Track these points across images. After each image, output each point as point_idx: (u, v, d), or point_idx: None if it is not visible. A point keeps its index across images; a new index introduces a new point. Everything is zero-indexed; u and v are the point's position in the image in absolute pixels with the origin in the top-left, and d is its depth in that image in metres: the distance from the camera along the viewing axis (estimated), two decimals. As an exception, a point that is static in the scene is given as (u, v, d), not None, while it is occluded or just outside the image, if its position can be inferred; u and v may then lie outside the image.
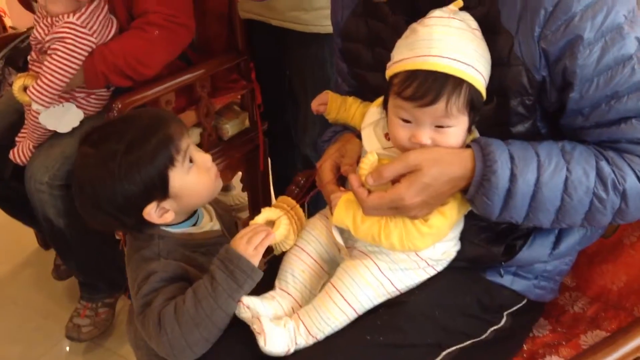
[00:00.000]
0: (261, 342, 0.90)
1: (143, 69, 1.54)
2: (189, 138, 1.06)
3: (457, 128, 0.87)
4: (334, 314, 0.93)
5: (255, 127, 1.89)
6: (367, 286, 0.93)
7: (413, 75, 0.84)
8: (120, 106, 1.51)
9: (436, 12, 0.86)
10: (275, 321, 0.93)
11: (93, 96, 1.60)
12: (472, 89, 0.85)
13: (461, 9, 0.89)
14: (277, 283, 1.01)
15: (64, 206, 1.57)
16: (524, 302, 1.04)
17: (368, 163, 0.89)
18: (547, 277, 1.04)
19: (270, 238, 0.97)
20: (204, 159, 1.08)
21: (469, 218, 0.96)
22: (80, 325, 1.78)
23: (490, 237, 0.99)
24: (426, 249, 0.93)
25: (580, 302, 1.17)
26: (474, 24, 0.87)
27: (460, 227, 0.97)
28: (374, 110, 0.98)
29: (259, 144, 1.91)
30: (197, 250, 1.09)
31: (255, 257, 0.96)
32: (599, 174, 0.85)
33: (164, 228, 1.07)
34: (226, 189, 2.35)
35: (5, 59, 1.77)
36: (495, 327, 1.00)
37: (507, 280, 1.01)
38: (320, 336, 0.94)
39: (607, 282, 1.14)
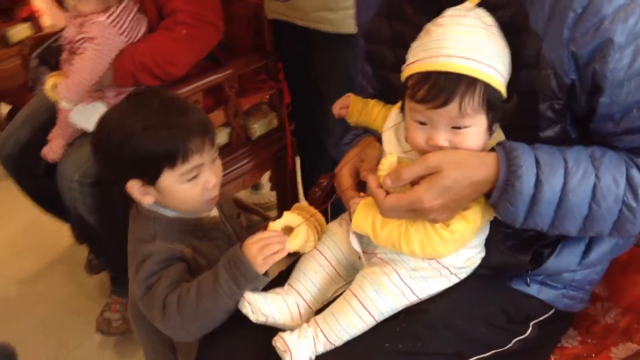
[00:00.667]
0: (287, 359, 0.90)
1: (171, 69, 1.55)
2: (209, 156, 1.06)
3: (475, 128, 0.84)
4: (353, 322, 0.91)
5: (283, 127, 1.89)
6: (387, 294, 0.92)
7: (425, 77, 0.83)
8: (148, 106, 1.52)
9: (449, 11, 0.84)
10: (295, 333, 0.92)
11: (123, 95, 1.61)
12: (487, 87, 0.82)
13: (489, 9, 0.86)
14: (288, 281, 1.01)
15: (94, 203, 1.59)
16: (551, 312, 1.00)
17: (387, 164, 0.88)
18: (576, 287, 1.01)
19: (281, 254, 0.97)
20: (207, 181, 1.06)
21: (495, 224, 0.93)
22: (110, 320, 1.81)
23: (517, 245, 0.96)
24: (449, 255, 0.90)
25: (612, 312, 1.12)
26: (489, 20, 0.85)
27: (485, 233, 0.95)
28: (395, 113, 0.96)
29: (287, 144, 1.91)
30: (194, 235, 1.10)
31: (263, 267, 0.96)
32: (630, 182, 0.81)
33: (156, 209, 1.09)
34: (255, 187, 2.36)
35: (39, 58, 1.81)
36: (520, 338, 0.97)
37: (533, 289, 0.98)
38: (339, 343, 0.93)
39: (641, 293, 1.10)
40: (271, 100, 1.88)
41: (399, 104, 0.95)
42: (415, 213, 0.85)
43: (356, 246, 0.95)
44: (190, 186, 1.05)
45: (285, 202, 2.01)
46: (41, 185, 1.77)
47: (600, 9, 0.79)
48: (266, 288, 1.01)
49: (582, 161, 0.83)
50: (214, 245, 1.13)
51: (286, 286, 1.01)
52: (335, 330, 0.92)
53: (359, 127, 1.10)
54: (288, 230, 1.02)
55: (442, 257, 0.90)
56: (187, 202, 1.07)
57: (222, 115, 1.75)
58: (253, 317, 0.95)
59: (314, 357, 0.92)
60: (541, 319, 0.99)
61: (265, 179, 2.24)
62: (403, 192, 0.85)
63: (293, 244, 0.99)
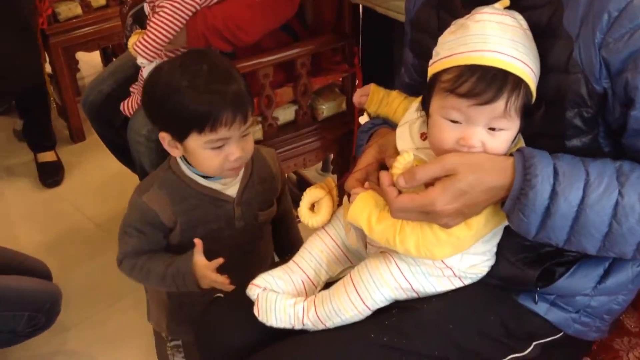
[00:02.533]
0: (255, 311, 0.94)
1: (241, 35, 1.58)
2: (237, 131, 1.09)
3: (509, 132, 0.81)
4: (345, 306, 0.91)
5: (352, 112, 1.89)
6: (384, 285, 0.91)
7: (470, 70, 0.78)
8: (216, 73, 1.58)
9: (486, 9, 0.81)
10: (280, 295, 0.95)
11: (194, 56, 1.68)
12: (528, 90, 0.79)
13: (527, 9, 0.82)
14: (293, 258, 1.02)
15: (157, 159, 1.68)
16: (559, 335, 0.95)
17: (402, 162, 0.84)
18: (590, 314, 0.94)
19: (222, 287, 1.10)
20: (230, 154, 1.10)
21: (512, 234, 0.89)
22: None
23: (529, 258, 0.91)
24: (444, 257, 0.87)
25: (638, 350, 1.04)
26: (524, 23, 0.81)
27: (493, 242, 0.91)
28: (415, 107, 0.94)
29: (353, 129, 1.90)
30: (194, 202, 1.18)
31: (205, 287, 1.13)
32: None
33: (179, 161, 1.19)
34: (325, 169, 2.38)
35: (134, 17, 1.92)
36: (517, 355, 0.93)
37: (541, 308, 0.93)
38: (329, 324, 0.93)
39: (673, 335, 1.01)
40: (343, 83, 1.88)
41: (419, 99, 0.93)
42: (427, 216, 0.82)
43: (352, 238, 0.95)
44: (213, 154, 1.10)
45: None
46: (117, 136, 1.89)
47: (638, 15, 0.73)
48: (273, 265, 1.04)
49: (605, 175, 0.77)
50: (205, 218, 1.21)
51: (291, 263, 1.02)
52: (327, 311, 0.92)
53: (379, 117, 1.08)
54: (313, 206, 1.03)
55: (436, 259, 0.87)
56: (208, 167, 1.14)
57: (290, 93, 1.77)
58: (260, 317, 0.96)
59: (293, 326, 0.94)
60: (546, 340, 0.94)
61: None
62: (416, 192, 0.82)
63: (314, 221, 1.01)
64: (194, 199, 1.19)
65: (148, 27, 1.55)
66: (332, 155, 2.01)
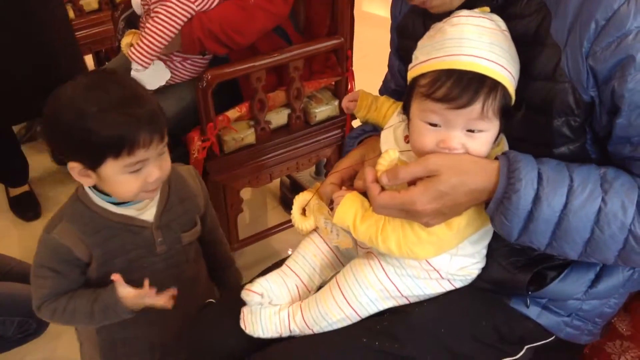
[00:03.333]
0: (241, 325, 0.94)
1: (237, 37, 1.57)
2: (155, 151, 1.02)
3: (489, 133, 0.81)
4: (332, 310, 0.91)
5: (345, 116, 1.89)
6: (369, 287, 0.90)
7: (446, 75, 0.79)
8: (209, 77, 1.57)
9: (464, 12, 0.81)
10: (265, 307, 0.95)
11: (189, 61, 1.67)
12: (506, 92, 0.79)
13: (514, 17, 0.82)
14: (286, 262, 1.01)
15: None
16: (551, 338, 0.95)
17: (387, 159, 0.84)
18: (583, 317, 0.94)
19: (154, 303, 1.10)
20: (149, 175, 1.03)
21: (502, 237, 0.88)
22: None
23: (520, 262, 0.91)
24: (426, 257, 0.87)
25: (630, 353, 1.04)
26: (503, 25, 0.81)
27: (483, 242, 0.91)
28: (396, 113, 0.94)
29: (345, 133, 1.90)
30: (108, 233, 1.10)
31: (135, 309, 1.11)
32: None
33: (88, 190, 1.09)
34: (318, 173, 2.38)
35: (126, 21, 1.91)
36: (509, 359, 0.92)
37: (533, 311, 0.93)
38: (317, 329, 0.93)
39: (665, 338, 1.01)
40: (336, 87, 1.88)
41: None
42: (408, 214, 0.82)
43: (338, 242, 0.94)
44: (132, 178, 1.02)
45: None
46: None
47: (625, 23, 0.73)
48: (267, 270, 1.04)
49: (589, 181, 0.77)
50: (123, 248, 1.13)
51: (285, 267, 1.02)
52: (314, 315, 0.92)
53: (368, 123, 1.08)
54: (304, 211, 1.03)
55: (419, 258, 0.87)
56: (125, 192, 1.05)
57: (283, 96, 1.77)
58: (248, 330, 0.96)
59: (281, 334, 0.94)
60: (538, 344, 0.94)
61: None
62: (398, 190, 0.83)
63: (305, 225, 1.00)
64: (108, 229, 1.10)
65: (143, 33, 1.54)
66: (325, 159, 2.01)
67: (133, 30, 1.65)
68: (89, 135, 0.96)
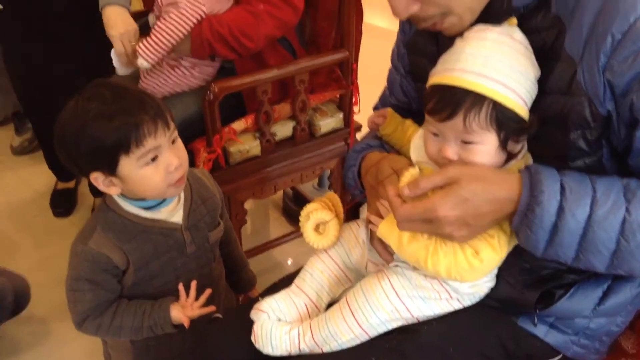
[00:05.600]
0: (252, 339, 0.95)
1: (245, 41, 1.59)
2: (165, 138, 1.03)
3: (483, 146, 0.83)
4: (342, 330, 0.92)
5: (349, 128, 1.90)
6: (380, 309, 0.91)
7: (435, 90, 0.83)
8: (216, 89, 1.58)
9: (479, 25, 0.83)
10: (275, 324, 0.95)
11: (197, 69, 1.69)
12: (497, 105, 0.80)
13: (531, 31, 0.83)
14: (295, 281, 1.02)
15: None
16: (558, 357, 0.95)
17: (409, 175, 0.88)
18: (590, 336, 0.95)
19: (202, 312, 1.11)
20: (167, 162, 1.04)
21: (512, 256, 0.90)
22: None
23: (529, 281, 0.92)
24: (471, 281, 0.89)
25: (635, 371, 1.05)
26: (518, 35, 0.82)
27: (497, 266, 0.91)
28: None
29: (349, 145, 1.91)
30: (141, 237, 1.11)
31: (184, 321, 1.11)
32: None
33: (116, 198, 1.10)
34: (321, 184, 2.38)
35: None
36: (517, 377, 0.93)
37: (540, 330, 0.94)
38: (326, 348, 0.93)
39: (671, 357, 1.02)
40: (341, 100, 1.89)
41: None
42: (431, 225, 0.82)
43: (364, 236, 0.95)
44: (152, 170, 1.03)
45: (343, 203, 2.01)
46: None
47: None
48: (276, 289, 1.04)
49: (612, 192, 0.77)
50: (157, 251, 1.14)
51: (293, 286, 1.02)
52: (323, 334, 0.92)
53: (390, 141, 1.09)
54: (319, 225, 1.03)
55: (465, 282, 0.89)
56: (152, 187, 1.05)
57: (288, 109, 1.78)
58: (258, 345, 0.97)
59: (290, 353, 0.94)
60: (545, 362, 0.95)
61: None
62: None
63: (321, 243, 1.00)
64: (141, 234, 1.12)
65: (153, 30, 1.57)
66: (328, 171, 2.02)
67: (143, 36, 1.67)
68: (95, 139, 0.99)
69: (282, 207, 2.40)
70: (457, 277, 0.86)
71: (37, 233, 2.29)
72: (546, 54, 0.83)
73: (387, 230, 0.89)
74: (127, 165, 1.01)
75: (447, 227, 0.81)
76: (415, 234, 0.87)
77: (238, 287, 1.45)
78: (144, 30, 1.89)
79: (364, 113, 1.92)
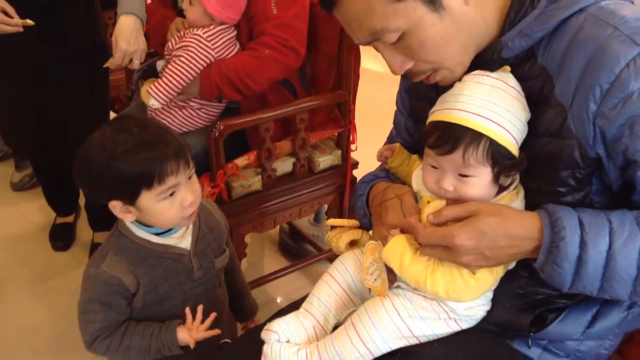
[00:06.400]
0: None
1: (251, 83, 1.69)
2: (184, 176, 1.11)
3: (479, 179, 0.91)
4: (348, 350, 0.96)
5: (346, 165, 1.98)
6: (382, 328, 0.96)
7: (436, 126, 0.91)
8: (222, 127, 1.66)
9: (478, 70, 0.92)
10: (284, 344, 1.00)
11: (204, 110, 1.78)
12: (493, 143, 0.88)
13: (521, 79, 0.92)
14: (303, 304, 1.07)
15: None
16: (551, 379, 1.01)
17: (433, 206, 0.96)
18: (580, 358, 1.01)
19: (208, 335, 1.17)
20: (183, 198, 1.12)
21: (506, 281, 0.96)
22: None
23: (523, 305, 0.98)
24: (469, 300, 0.95)
25: (624, 394, 1.10)
26: (512, 82, 0.91)
27: (492, 287, 0.98)
28: None
29: (346, 182, 1.99)
30: (151, 262, 1.18)
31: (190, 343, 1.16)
32: None
33: (129, 224, 1.17)
34: (317, 219, 2.44)
35: (141, 73, 2.01)
36: (512, 398, 0.98)
37: (534, 352, 1.00)
38: None
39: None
40: (339, 138, 1.97)
41: None
42: (450, 252, 0.87)
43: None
44: (168, 204, 1.11)
45: (339, 238, 2.07)
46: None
47: (628, 85, 0.81)
48: (285, 311, 1.10)
49: (627, 222, 0.82)
50: (166, 276, 1.21)
51: (302, 309, 1.07)
52: (330, 355, 0.97)
53: (396, 174, 1.16)
54: (349, 243, 1.10)
55: (462, 301, 0.94)
56: (166, 219, 1.14)
57: (289, 146, 1.86)
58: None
59: None
60: (539, 384, 1.00)
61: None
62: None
63: (375, 285, 1.01)
64: (152, 258, 1.18)
65: (164, 73, 1.67)
66: (326, 206, 2.09)
67: (152, 79, 1.75)
68: (121, 173, 1.06)
69: (279, 242, 2.46)
70: (455, 296, 0.92)
71: (37, 267, 2.32)
72: (536, 99, 0.91)
73: (390, 253, 0.95)
74: (147, 198, 1.10)
75: (465, 257, 0.87)
76: (415, 256, 0.93)
77: (241, 314, 1.50)
78: (149, 73, 1.98)
79: (360, 151, 2.01)
